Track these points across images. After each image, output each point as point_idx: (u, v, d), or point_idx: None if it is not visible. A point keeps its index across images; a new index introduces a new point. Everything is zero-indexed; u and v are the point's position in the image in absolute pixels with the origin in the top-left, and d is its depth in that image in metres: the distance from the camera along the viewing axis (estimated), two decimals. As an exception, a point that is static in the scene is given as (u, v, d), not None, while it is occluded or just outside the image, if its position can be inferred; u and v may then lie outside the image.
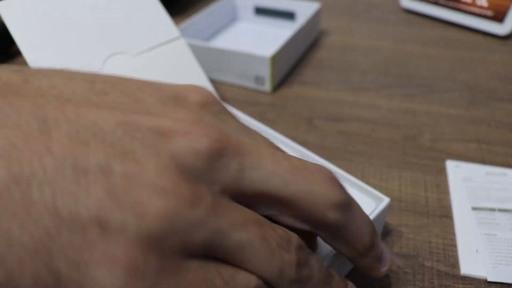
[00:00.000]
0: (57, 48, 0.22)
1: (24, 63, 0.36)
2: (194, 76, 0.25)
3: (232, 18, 0.41)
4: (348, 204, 0.11)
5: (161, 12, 0.25)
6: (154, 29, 0.24)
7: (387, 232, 0.20)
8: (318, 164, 0.11)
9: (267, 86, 0.31)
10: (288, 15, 0.39)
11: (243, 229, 0.09)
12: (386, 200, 0.17)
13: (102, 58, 0.23)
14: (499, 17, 0.37)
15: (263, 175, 0.09)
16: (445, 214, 0.21)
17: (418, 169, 0.23)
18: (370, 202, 0.18)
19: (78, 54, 0.22)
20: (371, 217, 0.17)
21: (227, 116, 0.11)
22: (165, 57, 0.24)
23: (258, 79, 0.31)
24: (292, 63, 0.34)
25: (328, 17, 0.43)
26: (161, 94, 0.10)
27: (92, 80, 0.09)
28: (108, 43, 0.23)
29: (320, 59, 0.36)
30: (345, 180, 0.19)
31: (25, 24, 0.22)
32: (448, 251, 0.19)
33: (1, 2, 0.21)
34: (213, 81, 0.26)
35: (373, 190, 0.18)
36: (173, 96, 0.10)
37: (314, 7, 0.37)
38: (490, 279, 0.17)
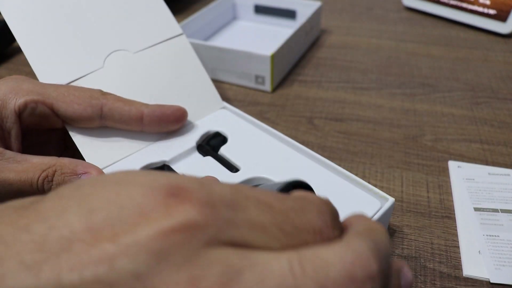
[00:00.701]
0: (58, 45, 0.22)
1: (21, 62, 0.36)
2: (195, 73, 0.24)
3: (232, 17, 0.41)
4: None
5: (164, 9, 0.25)
6: (156, 26, 0.24)
7: (389, 233, 0.19)
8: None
9: (267, 86, 0.30)
10: (289, 14, 0.38)
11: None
12: (391, 200, 0.17)
13: (103, 55, 0.22)
14: (502, 16, 0.37)
15: None
16: (447, 215, 0.20)
17: (420, 170, 0.23)
18: (375, 201, 0.18)
19: (78, 50, 0.22)
20: (377, 216, 0.17)
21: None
22: (166, 54, 0.24)
23: (258, 78, 0.30)
24: (293, 62, 0.34)
25: (329, 15, 0.43)
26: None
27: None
28: (109, 40, 0.23)
29: (321, 58, 0.35)
30: (349, 180, 0.19)
31: (24, 20, 0.21)
32: (451, 252, 0.19)
33: None
34: (213, 81, 0.26)
35: (377, 190, 0.18)
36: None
37: (315, 5, 0.37)
38: (493, 280, 0.17)
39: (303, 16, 0.38)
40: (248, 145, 0.21)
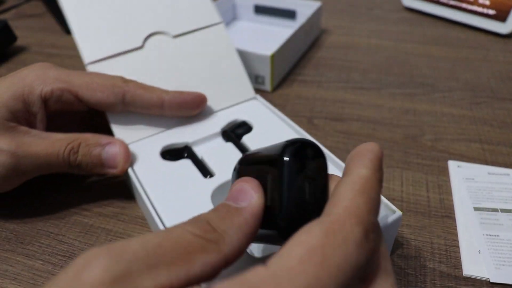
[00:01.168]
0: (102, 19, 0.23)
1: (22, 62, 0.36)
2: (230, 62, 0.25)
3: (231, 17, 0.41)
4: None
5: None
6: (196, 12, 0.25)
7: (394, 242, 0.19)
8: None
9: (267, 85, 0.30)
10: (289, 14, 0.39)
11: None
12: (397, 214, 0.16)
13: (143, 35, 0.23)
14: (501, 16, 0.37)
15: None
16: (447, 215, 0.20)
17: (420, 169, 0.23)
18: (381, 212, 0.17)
19: (121, 26, 0.23)
20: (384, 226, 0.16)
21: None
22: (204, 41, 0.24)
23: (258, 78, 0.30)
24: (293, 62, 0.34)
25: (329, 15, 0.43)
26: None
27: None
28: (150, 20, 0.23)
29: (320, 58, 0.35)
30: None
31: None
32: (450, 252, 0.19)
33: None
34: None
35: (386, 201, 0.17)
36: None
37: (315, 5, 0.37)
38: (493, 280, 0.17)
39: (303, 16, 0.38)
40: (270, 137, 0.21)
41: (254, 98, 0.25)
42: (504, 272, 0.17)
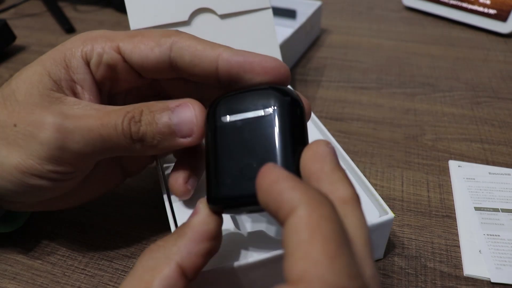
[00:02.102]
0: None
1: (21, 61, 0.36)
2: (270, 50, 0.24)
3: (232, 16, 0.41)
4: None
5: None
6: None
7: (389, 238, 0.19)
8: None
9: (267, 85, 0.30)
10: (289, 13, 0.38)
11: None
12: (389, 215, 0.16)
13: (191, 10, 0.23)
14: (502, 16, 0.37)
15: None
16: (448, 215, 0.20)
17: (421, 169, 0.23)
18: (375, 211, 0.17)
19: (168, 1, 0.23)
20: (371, 226, 0.16)
21: None
22: (250, 24, 0.24)
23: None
24: (293, 62, 0.34)
25: (329, 15, 0.43)
26: None
27: None
28: None
29: (321, 57, 0.35)
30: (360, 183, 0.18)
31: None
32: (451, 251, 0.18)
33: None
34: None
35: (382, 202, 0.17)
36: None
37: (315, 5, 0.36)
38: (493, 280, 0.17)
39: (303, 15, 0.38)
40: None
41: None
42: (505, 272, 0.17)
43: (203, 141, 0.14)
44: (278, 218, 0.10)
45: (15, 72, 0.34)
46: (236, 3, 0.24)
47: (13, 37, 0.37)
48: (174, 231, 0.13)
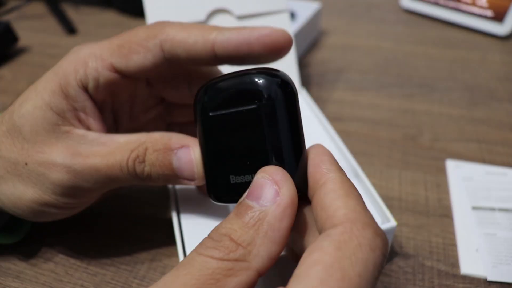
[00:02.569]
0: None
1: (24, 63, 0.36)
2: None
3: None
4: None
5: None
6: None
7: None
8: None
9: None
10: (288, 15, 0.39)
11: None
12: (392, 223, 0.16)
13: (208, 10, 0.23)
14: (499, 17, 0.37)
15: None
16: (445, 214, 0.21)
17: (418, 169, 0.23)
18: (377, 218, 0.17)
19: (186, 1, 0.23)
20: None
21: None
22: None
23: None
24: (292, 63, 0.34)
25: (328, 17, 0.43)
26: None
27: None
28: None
29: (320, 59, 0.36)
30: (365, 189, 0.18)
31: None
32: (448, 250, 0.19)
33: None
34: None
35: (385, 209, 0.17)
36: None
37: (314, 7, 0.37)
38: (490, 278, 0.17)
39: (302, 17, 0.38)
40: None
41: (299, 92, 0.25)
42: (501, 270, 0.18)
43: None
44: (313, 184, 0.12)
45: (18, 73, 0.34)
46: (253, 4, 0.24)
47: (15, 39, 0.37)
48: (247, 222, 0.10)
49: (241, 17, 0.24)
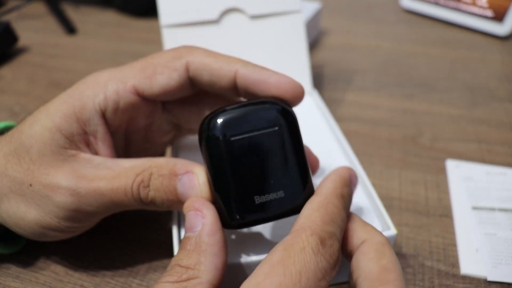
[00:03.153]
0: None
1: (24, 62, 0.36)
2: (297, 53, 0.24)
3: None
4: None
5: None
6: None
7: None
8: None
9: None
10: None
11: None
12: (391, 231, 0.16)
13: (222, 8, 0.23)
14: (499, 17, 0.37)
15: None
16: (445, 214, 0.21)
17: (418, 169, 0.23)
18: (377, 225, 0.17)
19: None
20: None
21: None
22: (279, 27, 0.24)
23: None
24: (292, 63, 0.34)
25: (328, 17, 0.43)
26: None
27: None
28: None
29: (320, 59, 0.36)
30: (367, 195, 0.18)
31: None
32: (448, 250, 0.19)
33: None
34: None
35: (387, 217, 0.16)
36: None
37: (314, 7, 0.37)
38: (490, 278, 0.17)
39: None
40: (304, 133, 0.21)
41: (310, 93, 0.25)
42: (501, 270, 0.18)
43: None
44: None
45: (18, 73, 0.34)
46: (266, 4, 0.24)
47: (15, 39, 0.37)
48: (187, 249, 0.12)
49: (254, 17, 0.24)
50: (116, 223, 0.20)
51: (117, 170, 0.14)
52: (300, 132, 0.13)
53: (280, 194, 0.13)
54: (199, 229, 0.12)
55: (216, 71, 0.15)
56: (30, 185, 0.14)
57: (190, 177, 0.14)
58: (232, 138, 0.13)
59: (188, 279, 0.11)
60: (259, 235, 0.16)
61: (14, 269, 0.18)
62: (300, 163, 0.13)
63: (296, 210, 0.13)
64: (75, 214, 0.14)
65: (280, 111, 0.13)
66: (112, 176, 0.14)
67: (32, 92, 0.32)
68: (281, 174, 0.13)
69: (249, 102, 0.13)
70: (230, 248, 0.15)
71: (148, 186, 0.14)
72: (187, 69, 0.15)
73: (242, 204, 0.12)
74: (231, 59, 0.15)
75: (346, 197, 0.13)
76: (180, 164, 0.14)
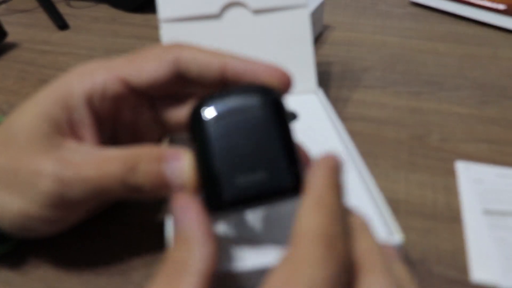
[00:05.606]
0: None
1: (14, 58, 0.36)
2: (301, 50, 0.24)
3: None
4: None
5: None
6: None
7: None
8: None
9: (269, 83, 0.30)
10: (291, 10, 0.38)
11: None
12: (396, 238, 0.15)
13: (221, 3, 0.22)
14: (511, 11, 0.36)
15: None
16: (455, 218, 0.20)
17: (426, 170, 0.23)
18: (382, 231, 0.16)
19: None
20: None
21: None
22: (283, 22, 0.23)
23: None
24: (295, 59, 0.33)
25: (332, 11, 0.42)
26: None
27: None
28: None
29: (323, 55, 0.35)
30: (373, 200, 0.17)
31: None
32: (458, 256, 0.18)
33: None
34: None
35: (392, 223, 0.16)
36: None
37: (317, 1, 0.36)
38: (502, 285, 0.17)
39: (305, 12, 0.37)
40: (308, 132, 0.20)
41: (314, 92, 0.24)
42: (515, 278, 0.17)
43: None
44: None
45: (7, 70, 0.34)
46: None
47: (4, 34, 0.37)
48: (177, 243, 0.12)
49: (257, 11, 0.23)
50: (110, 227, 0.19)
51: (105, 156, 0.14)
52: (286, 116, 0.13)
53: (262, 174, 0.12)
54: (186, 222, 0.12)
55: (205, 63, 0.15)
56: (16, 172, 0.14)
57: (178, 161, 0.14)
58: (215, 121, 0.13)
59: (177, 272, 0.11)
60: (255, 240, 0.15)
61: (4, 274, 0.17)
62: (285, 146, 0.13)
63: (280, 192, 0.13)
64: (59, 201, 0.14)
65: (264, 94, 0.13)
66: (99, 162, 0.14)
67: (21, 90, 0.31)
68: (264, 155, 0.13)
69: (235, 88, 0.14)
70: (225, 256, 0.14)
71: (137, 170, 0.14)
72: (176, 62, 0.15)
73: (224, 184, 0.13)
74: (220, 53, 0.15)
75: (340, 185, 0.13)
76: (168, 150, 0.15)
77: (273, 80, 0.15)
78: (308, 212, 0.11)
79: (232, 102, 0.13)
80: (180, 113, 0.17)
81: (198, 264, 0.11)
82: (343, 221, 0.12)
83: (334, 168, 0.13)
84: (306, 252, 0.10)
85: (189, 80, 0.16)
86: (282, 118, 0.13)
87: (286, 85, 0.15)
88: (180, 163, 0.14)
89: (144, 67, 0.15)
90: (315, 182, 0.12)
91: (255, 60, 0.15)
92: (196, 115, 0.14)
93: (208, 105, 0.13)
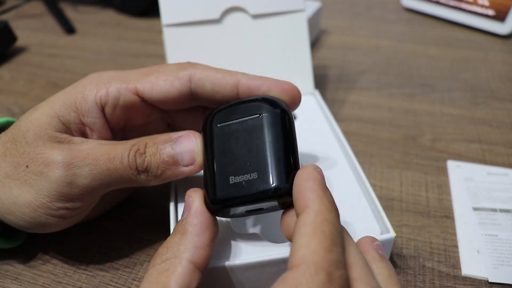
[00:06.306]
0: None
1: (23, 63, 0.36)
2: (299, 52, 0.24)
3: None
4: None
5: None
6: None
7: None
8: None
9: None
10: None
11: None
12: (390, 234, 0.15)
13: (222, 8, 0.23)
14: (500, 16, 0.37)
15: None
16: (446, 215, 0.21)
17: (419, 169, 0.23)
18: (376, 227, 0.16)
19: None
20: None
21: None
22: (282, 26, 0.24)
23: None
24: (293, 63, 0.34)
25: (328, 16, 0.43)
26: None
27: None
28: None
29: (320, 58, 0.35)
30: (366, 195, 0.17)
31: None
32: (449, 251, 0.19)
33: None
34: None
35: (386, 219, 0.16)
36: None
37: (314, 6, 0.37)
38: (491, 280, 0.17)
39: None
40: (305, 132, 0.21)
41: (312, 93, 0.25)
42: (503, 271, 0.17)
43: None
44: (296, 210, 0.12)
45: (17, 73, 0.34)
46: (269, 3, 0.24)
47: (14, 38, 0.37)
48: (175, 230, 0.13)
49: (256, 16, 0.23)
50: (115, 224, 0.20)
51: (112, 143, 0.15)
52: (289, 123, 0.14)
53: (253, 176, 0.13)
54: (185, 213, 0.14)
55: (219, 80, 0.16)
56: (27, 166, 0.14)
57: (186, 138, 0.15)
58: (219, 125, 0.14)
59: (168, 258, 0.12)
60: (252, 237, 0.16)
61: (13, 271, 0.18)
62: (283, 152, 0.13)
63: (270, 195, 0.13)
64: (68, 190, 0.14)
65: (266, 102, 0.14)
66: (108, 148, 0.15)
67: (30, 92, 0.32)
68: (259, 158, 0.13)
69: (244, 100, 0.15)
70: (223, 251, 0.15)
71: (144, 153, 0.15)
72: (189, 80, 0.16)
73: (218, 184, 0.13)
74: (232, 71, 0.16)
75: (333, 202, 0.12)
76: (176, 133, 0.16)
77: (282, 94, 0.15)
78: (308, 237, 0.11)
79: (236, 109, 0.14)
80: (190, 120, 0.18)
81: (188, 253, 0.12)
82: (342, 244, 0.11)
83: (320, 180, 0.12)
84: (306, 281, 0.10)
85: (202, 97, 0.16)
86: (282, 124, 0.14)
87: (295, 98, 0.16)
88: (189, 141, 0.15)
89: (158, 82, 0.16)
90: (309, 201, 0.11)
91: (266, 76, 0.16)
92: (206, 125, 0.15)
93: (218, 116, 0.15)
